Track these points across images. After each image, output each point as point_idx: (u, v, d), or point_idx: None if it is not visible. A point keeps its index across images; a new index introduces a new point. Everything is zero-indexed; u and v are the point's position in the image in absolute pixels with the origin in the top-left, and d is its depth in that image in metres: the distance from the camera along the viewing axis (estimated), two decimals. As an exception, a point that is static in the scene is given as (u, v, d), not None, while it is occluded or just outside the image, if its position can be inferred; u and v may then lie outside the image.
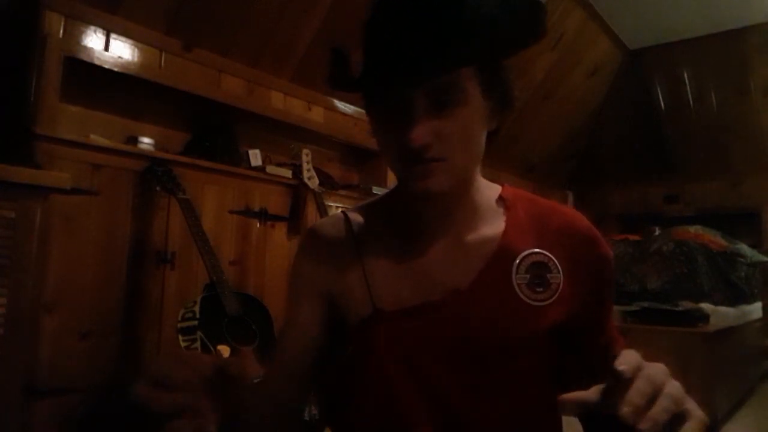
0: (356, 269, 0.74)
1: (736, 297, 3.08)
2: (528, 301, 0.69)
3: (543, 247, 0.72)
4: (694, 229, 3.32)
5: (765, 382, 3.33)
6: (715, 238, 3.27)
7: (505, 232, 0.73)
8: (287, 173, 2.65)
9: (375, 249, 0.75)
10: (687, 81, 4.68)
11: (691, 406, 0.47)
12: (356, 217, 0.80)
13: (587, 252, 0.73)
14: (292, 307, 0.79)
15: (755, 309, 3.35)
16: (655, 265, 3.02)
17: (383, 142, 0.69)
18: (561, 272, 0.70)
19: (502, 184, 0.80)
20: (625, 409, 0.43)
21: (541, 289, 0.70)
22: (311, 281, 0.77)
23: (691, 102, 4.73)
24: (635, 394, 0.44)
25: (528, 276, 0.70)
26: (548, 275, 0.70)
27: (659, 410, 0.44)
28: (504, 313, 0.68)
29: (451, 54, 0.60)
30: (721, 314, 2.79)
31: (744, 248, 3.45)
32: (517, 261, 0.70)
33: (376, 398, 0.68)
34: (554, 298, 0.69)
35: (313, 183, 2.55)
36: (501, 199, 0.77)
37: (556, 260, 0.71)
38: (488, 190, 0.77)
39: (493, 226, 0.74)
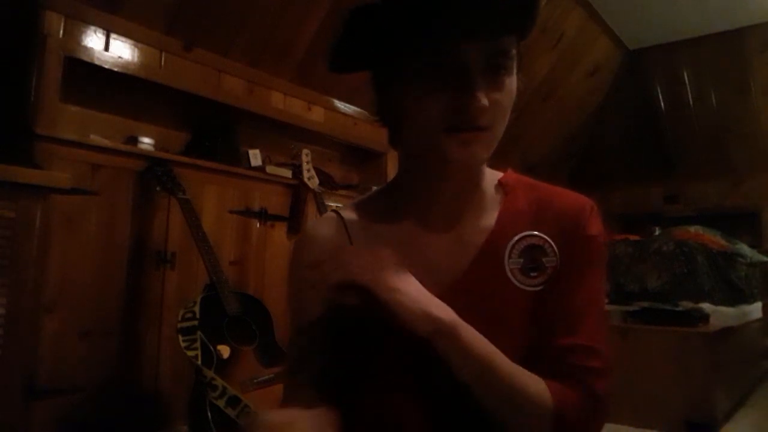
0: None
1: (736, 297, 3.08)
2: (522, 286, 0.67)
3: (539, 230, 0.69)
4: (694, 229, 3.32)
5: (765, 382, 3.33)
6: (715, 238, 3.27)
7: (499, 216, 0.71)
8: (287, 173, 2.65)
9: (370, 244, 0.72)
10: (687, 81, 4.68)
11: None
12: (350, 215, 0.76)
13: (576, 229, 0.70)
14: (299, 317, 0.74)
15: (755, 309, 3.34)
16: (655, 265, 3.01)
17: (420, 108, 0.63)
18: (557, 255, 0.68)
19: (504, 170, 0.77)
20: None
21: (535, 274, 0.67)
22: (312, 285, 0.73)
23: (691, 102, 4.73)
24: None
25: (522, 260, 0.68)
26: (543, 258, 0.68)
27: None
28: (498, 302, 0.66)
29: (515, 14, 0.59)
30: (721, 314, 2.79)
31: (744, 248, 3.44)
32: (510, 245, 0.68)
33: (378, 401, 0.67)
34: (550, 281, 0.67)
35: (313, 183, 2.55)
36: (500, 185, 0.75)
37: (552, 242, 0.68)
38: (491, 177, 0.75)
39: (492, 212, 0.72)
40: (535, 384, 0.61)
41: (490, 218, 0.71)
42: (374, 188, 0.83)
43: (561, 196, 0.73)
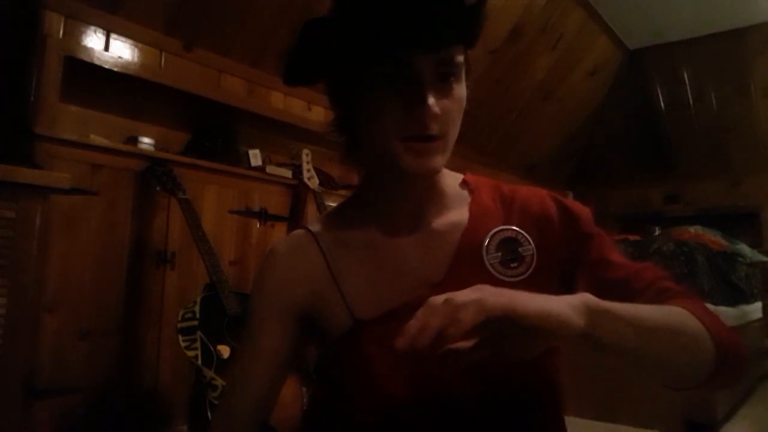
0: (328, 282, 0.71)
1: (736, 297, 3.08)
2: (504, 278, 0.68)
3: (510, 224, 0.72)
4: (694, 229, 3.32)
5: (765, 382, 3.33)
6: (715, 238, 3.26)
7: (471, 214, 0.73)
8: (287, 173, 2.65)
9: (344, 257, 0.72)
10: (687, 81, 4.68)
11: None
12: (319, 229, 0.76)
13: (553, 213, 0.73)
14: (255, 331, 0.74)
15: (755, 309, 3.34)
16: (655, 265, 3.01)
17: (374, 118, 0.64)
18: (532, 244, 0.70)
19: (464, 172, 0.79)
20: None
21: (515, 264, 0.69)
22: (279, 301, 0.73)
23: (691, 102, 4.73)
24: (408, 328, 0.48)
25: (499, 254, 0.69)
26: (520, 249, 0.70)
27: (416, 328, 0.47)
28: None
29: (462, 25, 0.61)
30: (721, 314, 2.78)
31: (744, 248, 3.44)
32: (486, 241, 0.70)
33: (373, 410, 0.66)
34: (531, 270, 0.69)
35: (313, 183, 2.55)
36: (465, 183, 0.77)
37: (524, 232, 0.71)
38: (451, 177, 0.77)
39: (460, 210, 0.74)
40: (678, 314, 0.59)
41: (458, 215, 0.73)
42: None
43: (521, 192, 0.76)
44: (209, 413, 1.61)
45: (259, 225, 2.53)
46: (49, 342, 1.81)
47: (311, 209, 2.58)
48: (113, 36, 2.12)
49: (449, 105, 0.64)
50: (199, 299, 1.83)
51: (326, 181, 2.81)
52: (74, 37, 1.99)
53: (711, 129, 4.71)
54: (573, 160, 5.34)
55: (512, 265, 0.69)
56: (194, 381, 1.74)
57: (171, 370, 2.11)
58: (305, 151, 2.61)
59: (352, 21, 0.61)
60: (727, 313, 2.86)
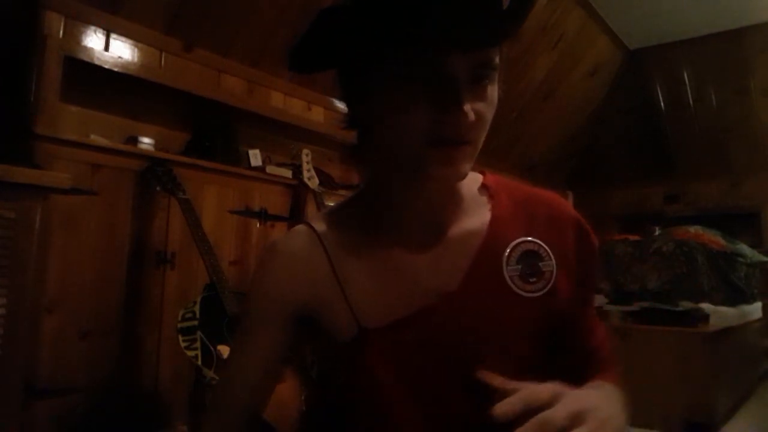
0: (332, 285, 0.67)
1: (736, 297, 3.08)
2: (522, 293, 0.65)
3: (532, 235, 0.68)
4: (694, 229, 3.32)
5: (765, 382, 3.33)
6: (715, 238, 3.26)
7: (491, 222, 0.69)
8: (287, 173, 2.65)
9: (350, 260, 0.68)
10: (687, 81, 4.68)
11: None
12: (323, 227, 0.71)
13: (577, 240, 0.71)
14: (252, 327, 0.71)
15: (755, 309, 3.34)
16: (655, 265, 3.01)
17: (401, 119, 0.59)
18: (553, 259, 0.67)
19: (482, 172, 0.74)
20: None
21: (534, 279, 0.66)
22: (278, 300, 0.69)
23: (691, 102, 4.73)
24: None
25: (520, 267, 0.66)
26: (540, 264, 0.67)
27: None
28: (500, 310, 0.65)
29: (504, 22, 0.56)
30: (721, 314, 2.79)
31: (744, 248, 3.44)
32: (507, 252, 0.66)
33: (375, 419, 0.64)
34: (549, 287, 0.66)
35: (313, 183, 2.55)
36: (484, 188, 0.72)
37: (547, 247, 0.68)
38: (469, 180, 0.71)
39: (478, 217, 0.69)
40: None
41: (476, 222, 0.69)
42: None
43: (545, 200, 0.73)
44: (209, 413, 1.61)
45: (259, 225, 2.53)
46: (49, 342, 1.81)
47: (311, 209, 2.59)
48: (113, 36, 2.12)
49: (483, 109, 0.59)
50: (199, 299, 1.83)
51: (326, 181, 2.81)
52: (74, 37, 1.99)
53: (711, 129, 4.71)
54: (573, 160, 5.33)
55: (531, 280, 0.66)
56: (194, 381, 1.74)
57: (171, 370, 2.11)
58: (305, 151, 2.61)
59: (378, 13, 0.55)
60: (727, 313, 2.86)
